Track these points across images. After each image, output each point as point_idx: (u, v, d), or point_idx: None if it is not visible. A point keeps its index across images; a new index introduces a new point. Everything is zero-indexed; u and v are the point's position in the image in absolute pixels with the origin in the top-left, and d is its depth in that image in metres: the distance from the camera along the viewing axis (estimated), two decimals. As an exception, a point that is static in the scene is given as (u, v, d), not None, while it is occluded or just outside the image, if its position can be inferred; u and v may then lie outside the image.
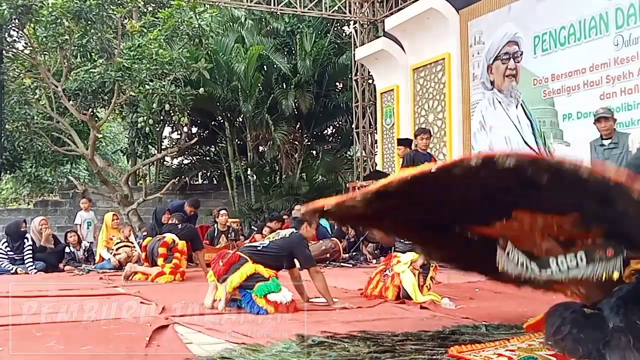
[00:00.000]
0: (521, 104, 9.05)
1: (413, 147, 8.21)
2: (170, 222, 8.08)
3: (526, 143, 8.96)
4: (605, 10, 7.77)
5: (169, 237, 7.19)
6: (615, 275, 2.65)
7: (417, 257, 5.10)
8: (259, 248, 4.73)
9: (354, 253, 9.41)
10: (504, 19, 9.39)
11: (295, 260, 4.83)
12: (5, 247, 8.22)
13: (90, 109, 11.53)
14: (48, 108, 11.67)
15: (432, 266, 5.21)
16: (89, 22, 10.43)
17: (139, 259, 8.34)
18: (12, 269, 8.03)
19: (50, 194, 18.29)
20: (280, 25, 14.83)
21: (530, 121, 8.91)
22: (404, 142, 8.66)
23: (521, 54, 9.09)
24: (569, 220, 2.71)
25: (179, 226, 7.56)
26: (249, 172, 15.43)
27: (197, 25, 11.45)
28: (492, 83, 9.61)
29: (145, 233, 8.54)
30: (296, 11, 12.82)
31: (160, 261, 6.99)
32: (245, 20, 14.88)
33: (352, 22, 13.68)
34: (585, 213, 2.64)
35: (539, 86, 8.74)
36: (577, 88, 8.15)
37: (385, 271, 5.33)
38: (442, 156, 10.33)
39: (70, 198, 15.27)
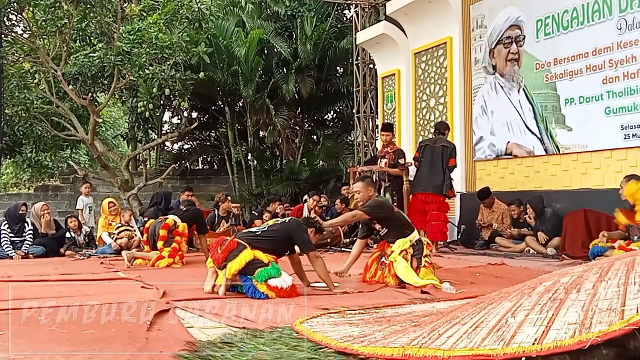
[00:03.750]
0: (523, 89, 9.02)
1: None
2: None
3: (528, 128, 8.94)
4: (608, -6, 7.72)
5: (171, 218, 7.19)
6: None
7: (407, 243, 5.11)
8: (257, 233, 4.72)
9: (354, 238, 9.40)
10: (506, 2, 9.33)
11: (295, 245, 4.84)
12: (7, 229, 8.26)
13: (90, 94, 11.48)
14: (48, 92, 11.62)
15: (425, 243, 5.23)
16: (88, 6, 10.36)
17: (139, 244, 8.37)
18: (11, 254, 8.05)
19: (51, 179, 18.32)
20: (281, 9, 14.73)
21: (532, 106, 8.88)
22: (389, 128, 8.67)
23: (523, 38, 9.03)
24: None
25: (183, 208, 7.60)
26: (249, 157, 15.42)
27: (196, 9, 11.38)
28: (494, 67, 9.57)
29: (146, 219, 8.55)
30: (297, -5, 12.72)
31: (160, 244, 6.99)
32: (246, 3, 14.79)
33: (353, 6, 13.58)
34: None
35: (541, 70, 8.70)
36: (580, 72, 8.11)
37: (381, 258, 5.33)
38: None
39: (70, 183, 15.28)
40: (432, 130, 9.58)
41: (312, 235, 4.89)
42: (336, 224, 5.26)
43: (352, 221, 5.33)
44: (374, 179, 8.48)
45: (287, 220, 4.97)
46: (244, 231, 5.12)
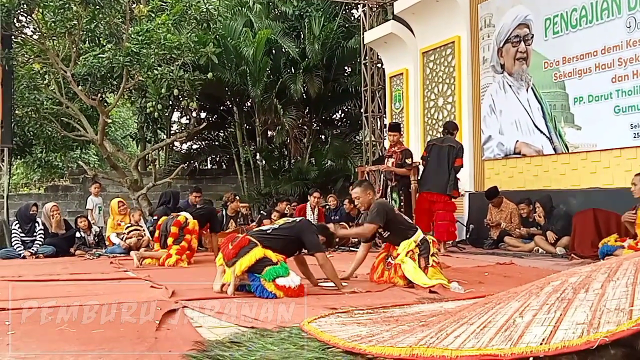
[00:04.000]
0: (532, 88, 8.99)
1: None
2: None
3: (537, 127, 8.91)
4: (617, -8, 7.68)
5: (182, 215, 7.27)
6: None
7: (412, 244, 5.10)
8: (268, 232, 4.75)
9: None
10: (514, 1, 9.30)
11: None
12: (19, 229, 8.32)
13: (99, 94, 11.53)
14: (57, 93, 11.70)
15: (431, 241, 5.21)
16: (97, 7, 10.41)
17: (148, 243, 8.41)
18: (22, 254, 8.12)
19: (61, 179, 18.42)
20: (289, 8, 14.74)
21: (540, 105, 8.85)
22: (397, 128, 8.66)
23: (532, 37, 9.00)
24: None
25: (197, 205, 7.67)
26: (257, 157, 15.45)
27: (205, 10, 11.43)
28: (502, 66, 9.54)
29: (155, 217, 8.60)
30: (304, -6, 12.72)
31: (170, 241, 7.05)
32: (254, 4, 14.80)
33: (360, 5, 13.57)
34: None
35: (550, 69, 8.67)
36: (589, 71, 8.07)
37: (387, 258, 5.32)
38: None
39: (80, 183, 15.37)
40: (441, 129, 9.60)
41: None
42: (348, 236, 5.31)
43: (364, 235, 5.32)
44: (382, 179, 8.50)
45: (297, 220, 4.98)
46: (255, 229, 5.14)
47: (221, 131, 17.14)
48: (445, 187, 7.94)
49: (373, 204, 5.32)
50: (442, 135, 8.55)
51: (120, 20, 11.16)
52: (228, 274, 4.55)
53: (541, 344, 2.00)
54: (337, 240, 5.08)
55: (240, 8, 14.80)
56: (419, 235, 5.19)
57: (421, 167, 8.51)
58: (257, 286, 4.40)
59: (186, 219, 7.20)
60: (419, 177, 8.47)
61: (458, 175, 8.17)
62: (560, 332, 2.04)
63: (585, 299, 2.26)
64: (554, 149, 8.64)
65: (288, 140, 15.18)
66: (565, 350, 1.92)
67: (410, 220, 5.61)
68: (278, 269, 4.41)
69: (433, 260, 5.04)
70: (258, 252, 4.46)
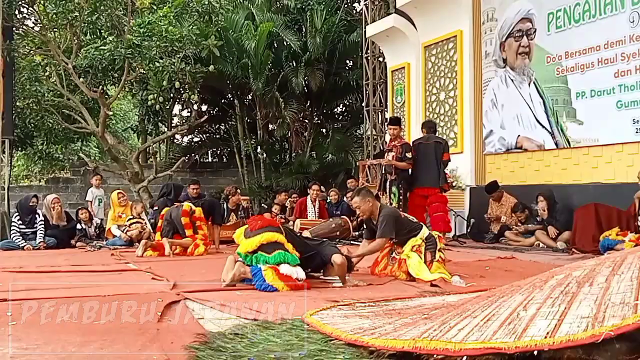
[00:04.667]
0: (534, 82, 8.97)
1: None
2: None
3: (538, 121, 8.89)
4: (621, -14, 7.65)
5: (187, 204, 7.34)
6: None
7: (418, 240, 5.09)
8: (297, 233, 5.03)
9: (363, 231, 9.40)
10: (517, -5, 9.25)
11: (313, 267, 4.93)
12: (18, 221, 8.33)
13: (101, 87, 11.52)
14: (58, 85, 11.69)
15: (437, 237, 5.20)
16: (99, -1, 10.40)
17: (149, 236, 8.41)
18: (22, 244, 8.13)
19: (62, 171, 18.42)
20: (291, 1, 14.70)
21: (542, 99, 8.83)
22: (397, 122, 8.65)
23: (534, 31, 8.98)
24: None
25: (199, 196, 7.78)
26: (258, 150, 15.44)
27: (207, 2, 11.39)
28: (504, 61, 9.52)
29: (156, 208, 8.59)
30: (307, -13, 12.67)
31: (188, 232, 7.13)
32: (255, -4, 14.77)
33: (363, -1, 13.53)
34: None
35: (553, 64, 8.65)
36: (591, 66, 8.05)
37: (391, 253, 5.31)
38: (452, 134, 10.27)
39: (81, 175, 15.38)
40: (442, 123, 9.63)
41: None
42: (362, 256, 5.36)
43: (378, 251, 5.32)
44: (382, 173, 8.49)
45: (325, 241, 5.14)
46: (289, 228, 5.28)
47: (222, 124, 17.13)
48: (437, 180, 8.10)
49: (381, 216, 5.21)
50: (424, 134, 8.52)
51: (122, 12, 11.14)
52: (244, 244, 4.61)
53: (545, 337, 1.99)
54: (353, 264, 5.12)
55: (242, 1, 14.76)
56: (424, 232, 5.18)
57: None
58: (257, 276, 4.39)
59: (191, 207, 7.30)
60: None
61: (459, 170, 8.18)
62: (564, 326, 2.03)
63: (590, 293, 2.25)
64: (556, 143, 8.62)
65: (289, 134, 15.17)
66: (570, 344, 1.91)
67: (414, 219, 5.58)
68: (288, 256, 4.48)
69: (440, 256, 5.03)
70: (280, 237, 4.59)
